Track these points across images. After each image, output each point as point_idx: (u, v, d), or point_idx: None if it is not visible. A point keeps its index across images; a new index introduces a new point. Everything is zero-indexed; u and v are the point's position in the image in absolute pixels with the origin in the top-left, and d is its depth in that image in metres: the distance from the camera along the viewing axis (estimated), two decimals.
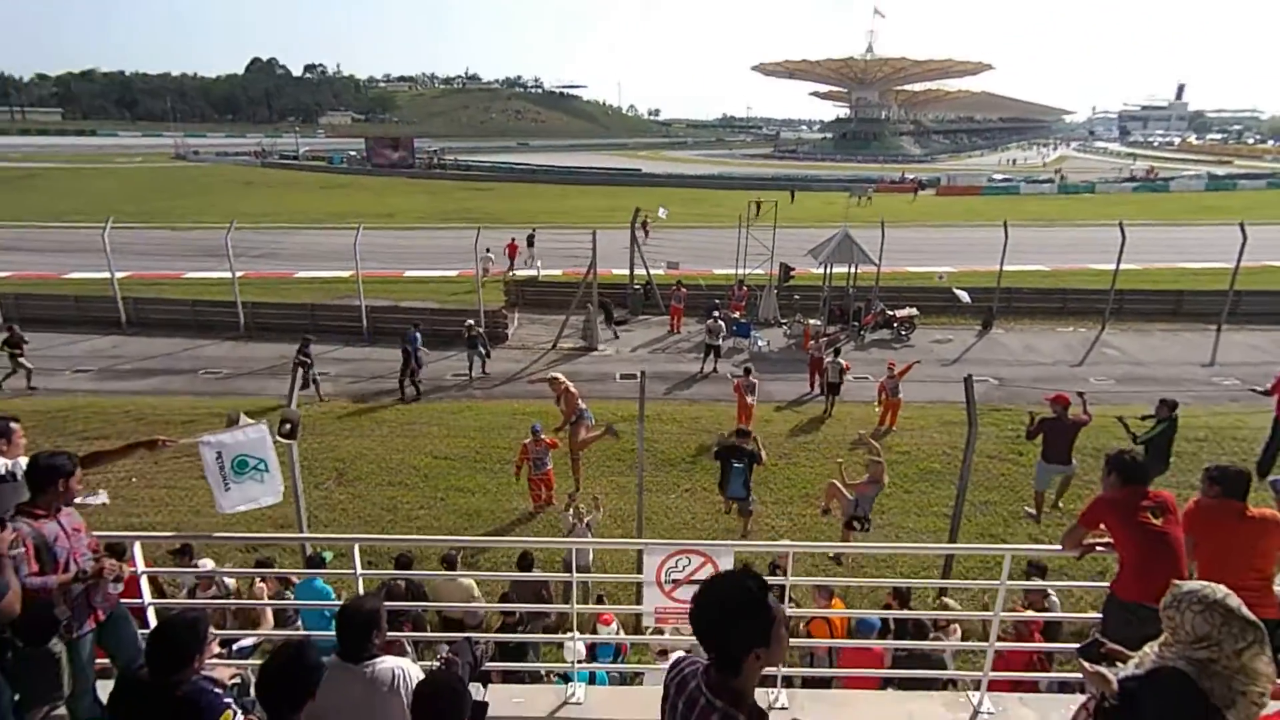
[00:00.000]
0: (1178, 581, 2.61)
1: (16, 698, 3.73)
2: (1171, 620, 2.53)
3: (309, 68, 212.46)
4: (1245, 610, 2.41)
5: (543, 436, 10.66)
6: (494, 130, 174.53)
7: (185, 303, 20.87)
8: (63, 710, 3.87)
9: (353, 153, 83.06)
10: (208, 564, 7.51)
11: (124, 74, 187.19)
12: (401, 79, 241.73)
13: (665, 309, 21.34)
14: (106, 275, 19.86)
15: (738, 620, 2.01)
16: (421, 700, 2.66)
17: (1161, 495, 3.82)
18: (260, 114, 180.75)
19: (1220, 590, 2.48)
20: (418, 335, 15.67)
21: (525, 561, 7.11)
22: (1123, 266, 19.80)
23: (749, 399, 13.74)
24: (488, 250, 29.09)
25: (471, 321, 16.95)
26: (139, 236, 31.54)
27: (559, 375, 11.34)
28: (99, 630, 4.01)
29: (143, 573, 4.68)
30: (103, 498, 11.37)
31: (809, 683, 5.04)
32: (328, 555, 7.73)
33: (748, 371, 13.85)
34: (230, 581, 7.20)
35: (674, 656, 2.43)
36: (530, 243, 27.71)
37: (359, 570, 4.65)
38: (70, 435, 13.15)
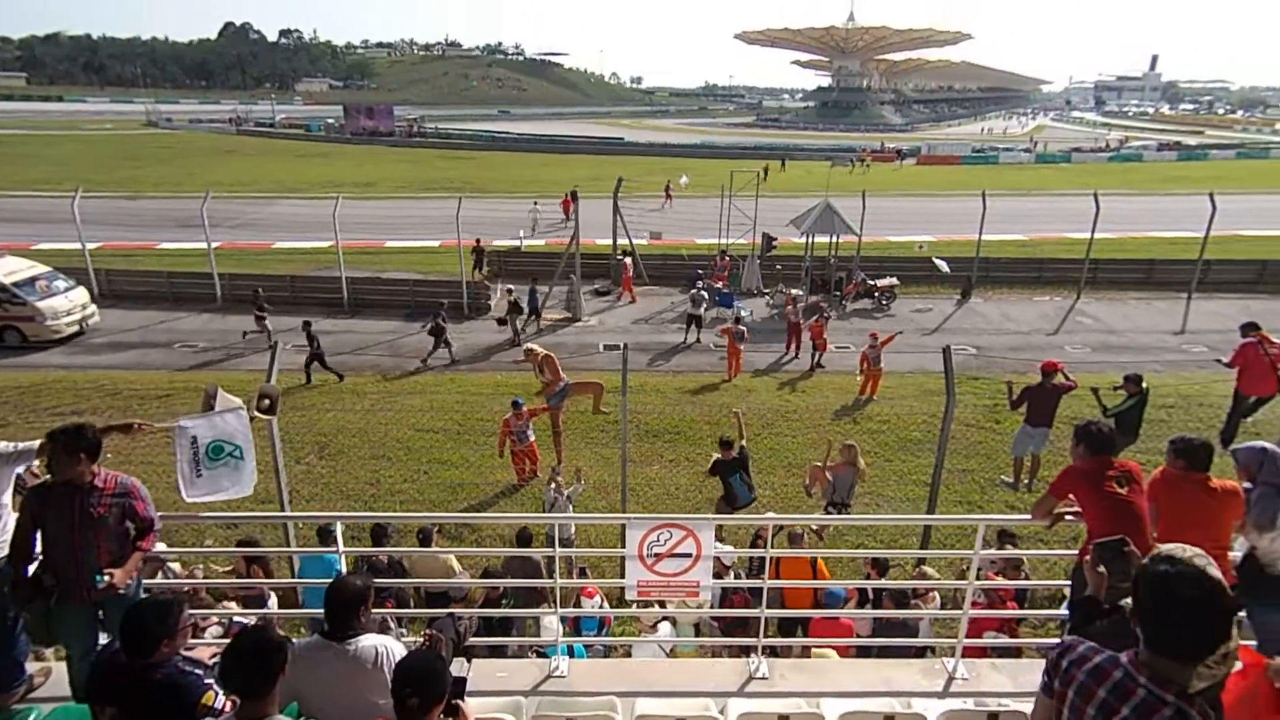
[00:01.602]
0: (1159, 544, 2.71)
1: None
2: None
3: (284, 33, 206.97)
4: (1212, 569, 2.49)
5: (524, 409, 10.66)
6: (475, 98, 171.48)
7: (160, 274, 20.48)
8: None
9: (330, 120, 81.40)
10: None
11: (91, 37, 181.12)
12: (380, 45, 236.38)
13: (648, 279, 21.27)
14: (77, 246, 19.41)
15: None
16: (401, 677, 2.69)
17: (1127, 465, 3.91)
18: (234, 80, 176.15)
19: (1188, 550, 2.56)
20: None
21: (524, 536, 7.17)
22: (1097, 235, 20.02)
23: (739, 345, 14.93)
24: (535, 203, 29.83)
25: (442, 313, 16.02)
26: (111, 206, 30.84)
27: (533, 346, 11.30)
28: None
29: None
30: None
31: (787, 652, 5.15)
32: (337, 527, 7.73)
33: (738, 320, 15.20)
34: (176, 565, 7.13)
35: (1066, 640, 2.40)
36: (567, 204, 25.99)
37: (341, 547, 4.66)
38: (41, 411, 12.95)
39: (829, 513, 8.33)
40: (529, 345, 11.24)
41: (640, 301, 20.70)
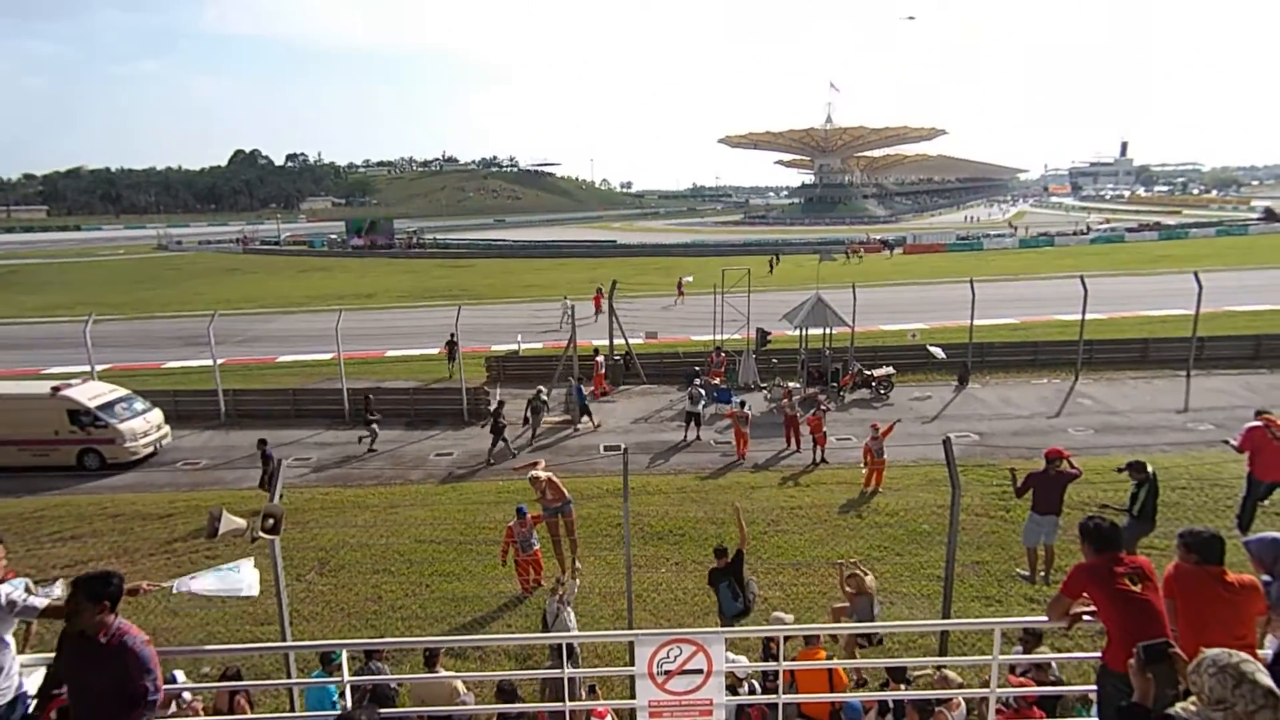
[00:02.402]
0: (1204, 649, 2.70)
1: None
2: (1195, 684, 2.65)
3: (290, 157, 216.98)
4: (1262, 676, 2.50)
5: (529, 515, 10.55)
6: (471, 209, 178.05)
7: (165, 394, 20.61)
8: None
9: (333, 236, 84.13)
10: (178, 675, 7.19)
11: (109, 170, 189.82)
12: (381, 164, 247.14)
13: (645, 379, 21.47)
14: (87, 368, 19.69)
15: None
16: None
17: (1137, 561, 3.87)
18: (243, 202, 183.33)
19: (1237, 655, 2.60)
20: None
21: (507, 689, 6.48)
22: (1089, 317, 20.37)
23: (744, 428, 15.97)
24: (566, 298, 31.64)
25: (370, 397, 17.77)
26: (121, 328, 31.56)
27: (538, 473, 11.24)
28: None
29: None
30: (57, 590, 11.04)
31: None
32: (342, 655, 7.48)
33: (742, 404, 16.26)
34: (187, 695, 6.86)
35: None
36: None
37: (347, 677, 4.54)
38: (44, 537, 12.83)
39: (861, 645, 7.95)
40: (534, 473, 11.20)
41: (638, 400, 20.82)
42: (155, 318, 35.73)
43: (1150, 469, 9.57)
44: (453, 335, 21.83)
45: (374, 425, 17.32)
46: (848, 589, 7.53)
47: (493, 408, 17.04)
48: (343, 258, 70.75)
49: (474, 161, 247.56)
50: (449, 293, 41.24)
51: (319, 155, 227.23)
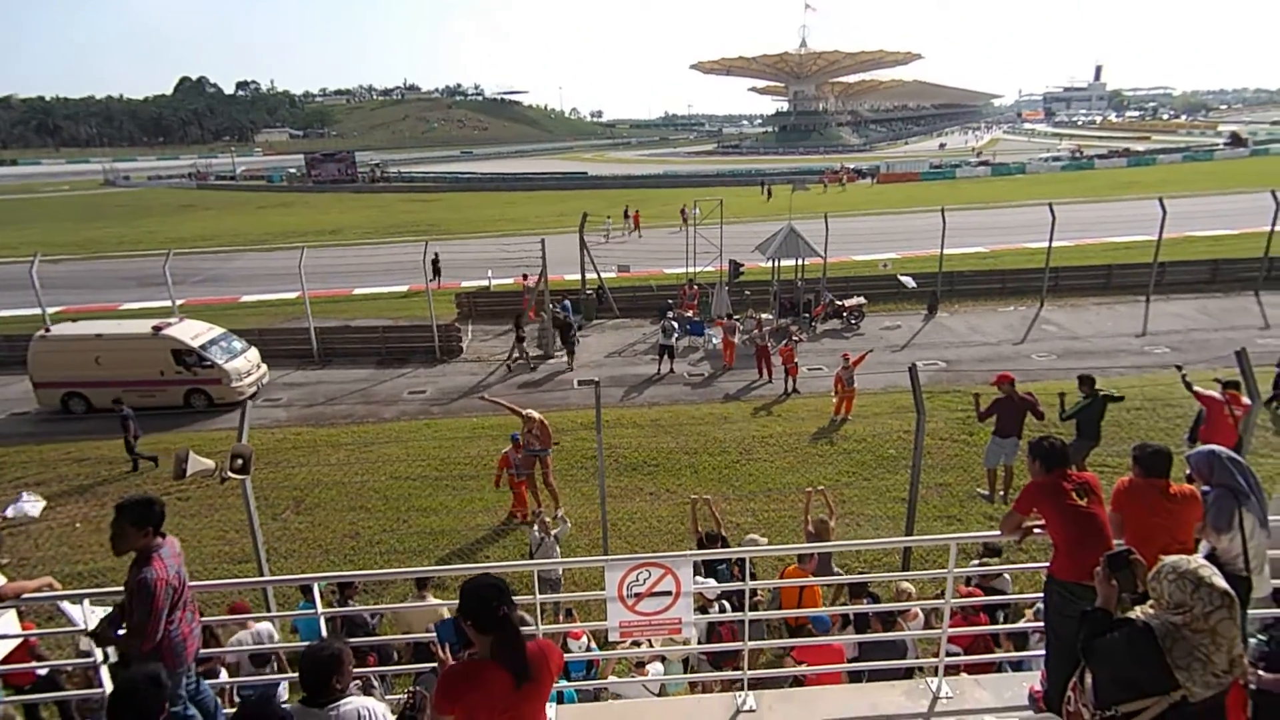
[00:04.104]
0: (1163, 556, 2.83)
1: None
2: (1155, 590, 2.79)
3: (241, 85, 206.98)
4: (1217, 580, 2.64)
5: (522, 441, 10.68)
6: (436, 140, 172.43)
7: None
8: None
9: (292, 170, 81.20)
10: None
11: (44, 99, 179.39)
12: (338, 92, 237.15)
13: (618, 312, 21.42)
14: (37, 311, 19.06)
15: None
16: None
17: (1084, 476, 4.03)
18: (192, 135, 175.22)
19: (1194, 561, 2.75)
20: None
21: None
22: (1055, 244, 20.61)
23: (732, 338, 17.55)
24: (609, 218, 34.78)
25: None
26: (71, 269, 30.43)
27: (534, 412, 11.24)
28: None
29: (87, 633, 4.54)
30: (36, 505, 10.89)
31: (774, 683, 5.16)
32: (314, 587, 7.54)
33: (730, 315, 17.55)
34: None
35: None
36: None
37: (319, 609, 4.61)
38: (6, 484, 12.66)
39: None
40: (529, 411, 11.18)
41: (610, 334, 20.81)
42: (107, 257, 34.48)
43: (1097, 386, 9.94)
44: (436, 255, 23.51)
45: (524, 344, 18.14)
46: (809, 529, 7.62)
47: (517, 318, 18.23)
48: (303, 193, 68.46)
49: (438, 90, 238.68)
50: (416, 228, 40.29)
51: (271, 83, 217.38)
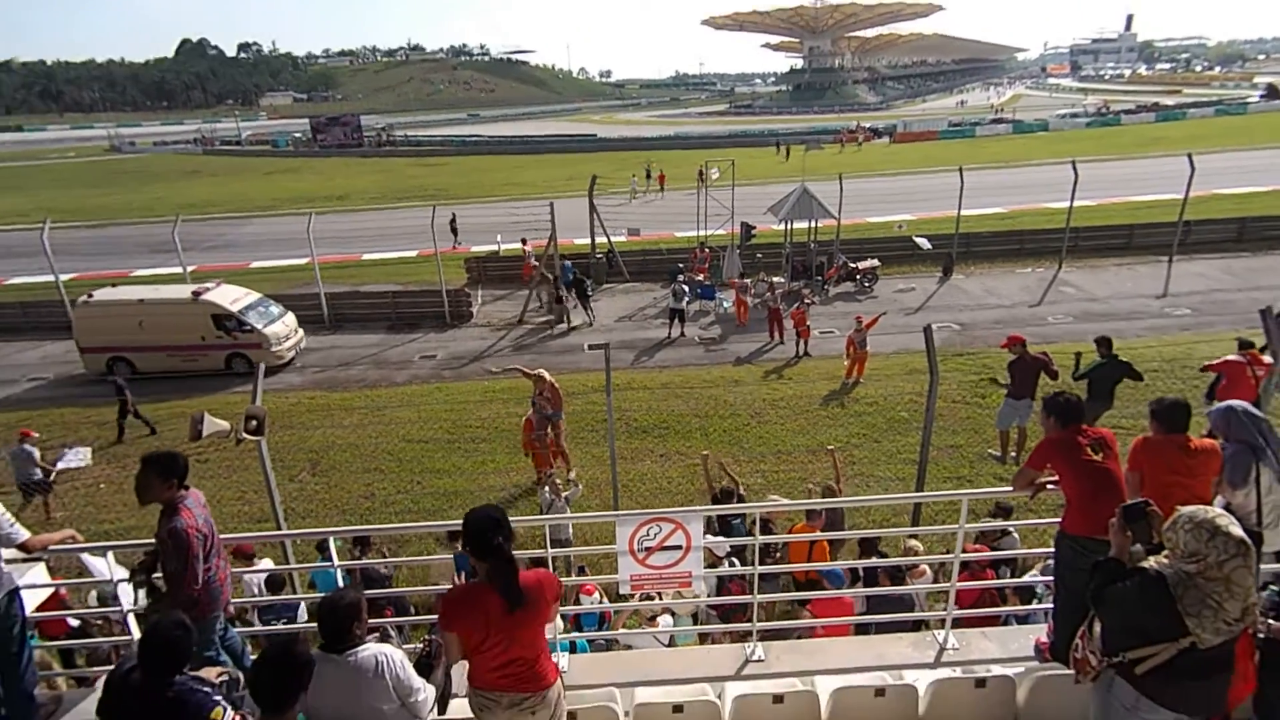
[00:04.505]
0: (1180, 507, 2.83)
1: None
2: (1170, 540, 2.80)
3: (243, 47, 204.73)
4: (1234, 529, 2.63)
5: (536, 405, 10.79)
6: (442, 102, 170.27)
7: None
8: None
9: (297, 134, 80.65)
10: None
11: (45, 63, 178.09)
12: (341, 54, 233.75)
13: (628, 276, 21.32)
14: (50, 278, 19.22)
15: None
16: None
17: (1100, 432, 4.00)
18: (195, 98, 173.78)
19: (1212, 511, 2.74)
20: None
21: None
22: (1077, 203, 20.19)
23: (744, 297, 17.87)
24: (634, 176, 36.72)
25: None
26: (81, 236, 30.54)
27: (543, 372, 11.25)
28: None
29: (118, 581, 4.67)
30: (83, 455, 11.19)
31: (782, 635, 5.23)
32: (331, 542, 7.72)
33: (743, 273, 17.84)
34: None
35: None
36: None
37: (336, 562, 4.69)
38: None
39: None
40: (540, 371, 11.19)
41: (621, 298, 20.76)
42: (116, 224, 34.52)
43: (1115, 350, 9.81)
44: (453, 216, 25.97)
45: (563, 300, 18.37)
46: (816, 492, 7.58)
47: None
48: (309, 157, 67.97)
49: (442, 50, 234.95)
50: (423, 192, 40.06)
51: (274, 44, 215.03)
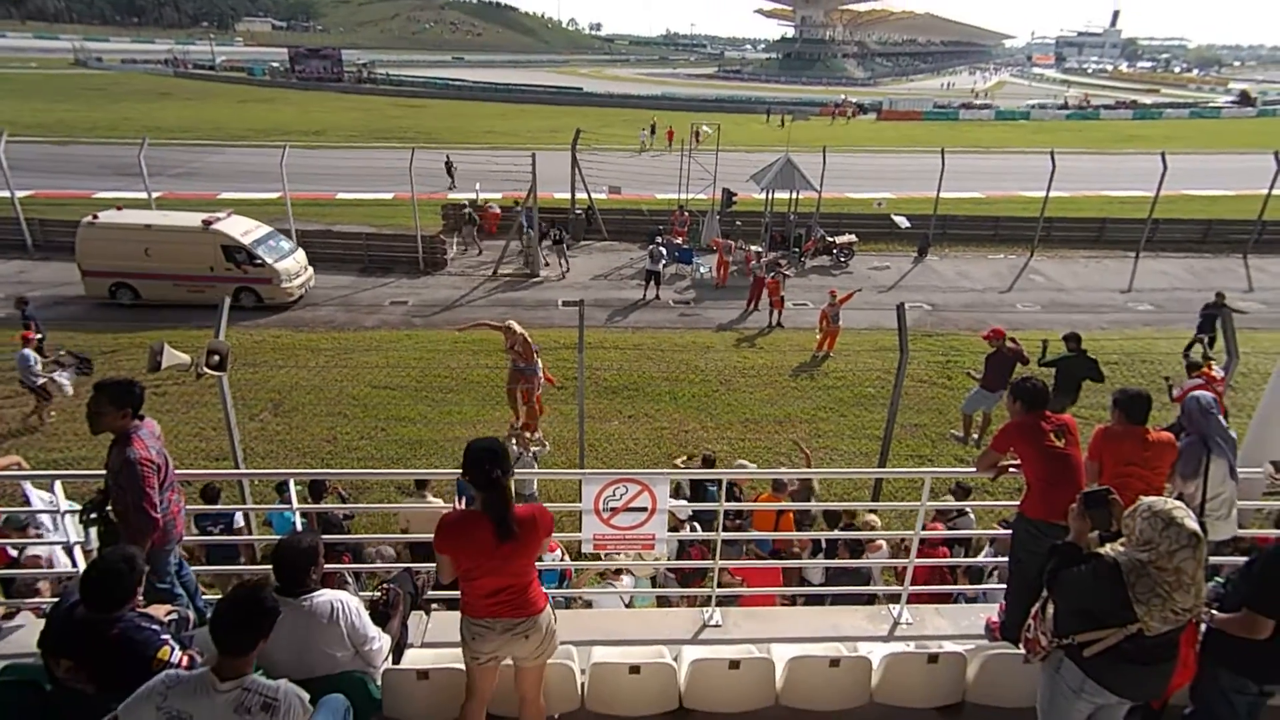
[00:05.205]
0: (1143, 497, 2.90)
1: None
2: (1128, 527, 2.88)
3: None
4: (1189, 521, 2.69)
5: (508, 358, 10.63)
6: (427, 43, 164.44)
7: None
8: None
9: (274, 64, 77.52)
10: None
11: None
12: None
13: (606, 234, 21.08)
14: (6, 194, 18.37)
15: None
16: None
17: (1063, 419, 4.08)
18: (169, 17, 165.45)
19: (1170, 503, 2.82)
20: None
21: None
22: (1053, 194, 20.42)
23: (727, 258, 18.06)
24: (643, 130, 38.50)
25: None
26: (40, 151, 29.18)
27: (513, 323, 11.04)
28: None
29: (65, 512, 4.54)
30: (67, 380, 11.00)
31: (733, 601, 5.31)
32: (290, 484, 7.61)
33: (726, 233, 17.97)
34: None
35: None
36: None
37: (295, 505, 4.61)
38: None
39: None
40: (510, 322, 10.97)
41: (598, 256, 20.56)
42: (79, 142, 33.03)
43: (1082, 347, 9.94)
44: (448, 157, 26.43)
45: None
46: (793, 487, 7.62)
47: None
48: (286, 89, 65.44)
49: None
50: (403, 134, 38.94)
51: None
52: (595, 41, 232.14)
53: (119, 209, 16.37)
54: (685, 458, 8.74)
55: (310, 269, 17.01)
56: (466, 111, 54.54)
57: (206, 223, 15.58)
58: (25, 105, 45.69)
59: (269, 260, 15.75)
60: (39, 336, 12.18)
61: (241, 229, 15.94)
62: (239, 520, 6.88)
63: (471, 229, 20.76)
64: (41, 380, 10.89)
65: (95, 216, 15.74)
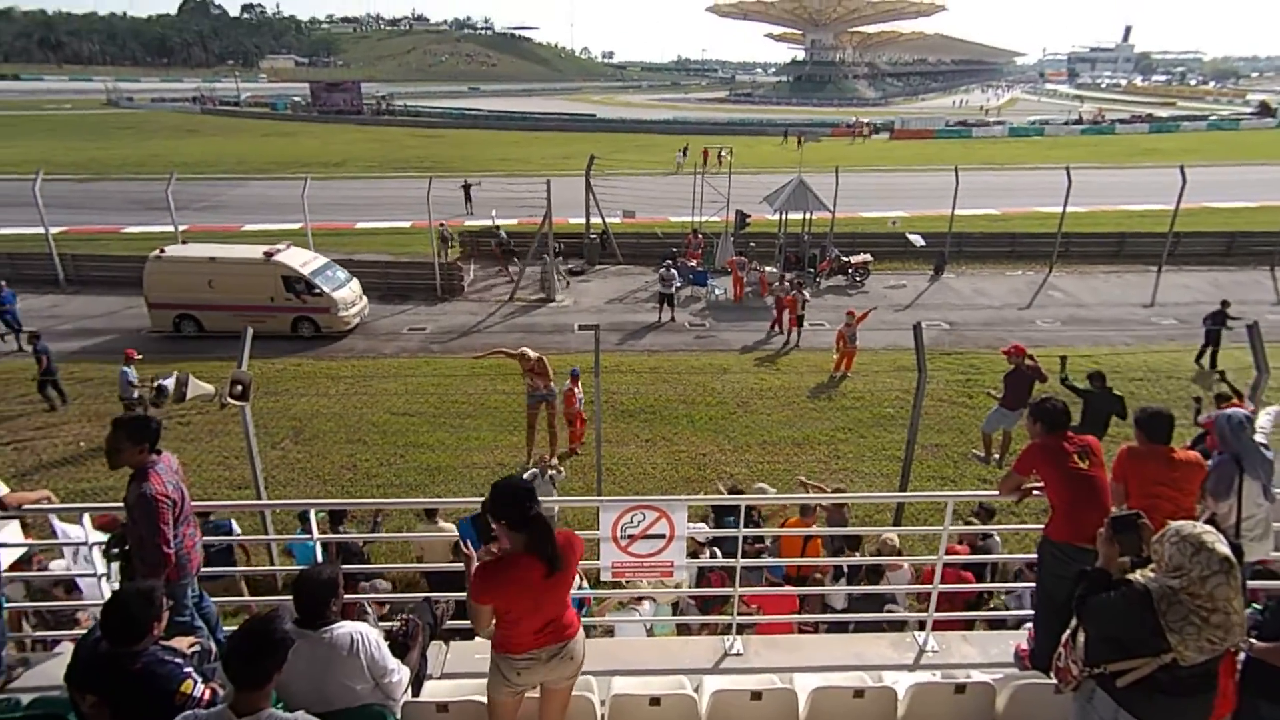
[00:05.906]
0: (1171, 522, 2.81)
1: None
2: (1157, 553, 2.79)
3: (246, 7, 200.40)
4: (1220, 546, 2.61)
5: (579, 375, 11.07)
6: (444, 74, 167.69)
7: (127, 259, 19.91)
8: None
9: (296, 98, 79.36)
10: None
11: (45, 13, 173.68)
12: (345, 20, 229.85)
13: (621, 258, 21.17)
14: (40, 230, 18.87)
15: None
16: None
17: (1086, 439, 4.00)
18: (196, 56, 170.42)
19: (1199, 526, 2.72)
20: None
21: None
22: (1069, 209, 20.25)
23: (741, 273, 18.33)
24: (679, 151, 38.59)
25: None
26: (73, 189, 30.01)
27: (528, 350, 11.14)
28: None
29: (93, 544, 4.59)
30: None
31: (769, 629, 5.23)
32: (311, 514, 7.65)
33: (741, 252, 18.31)
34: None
35: None
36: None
37: (315, 535, 4.64)
38: (12, 400, 12.72)
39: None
40: (524, 349, 11.10)
41: (613, 280, 20.66)
42: (110, 179, 33.90)
43: (1108, 385, 9.50)
44: (466, 181, 27.16)
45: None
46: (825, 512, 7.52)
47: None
48: (308, 122, 66.96)
49: (446, 21, 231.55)
50: (420, 163, 39.59)
51: (277, 7, 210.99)
52: (608, 69, 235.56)
53: (184, 242, 16.75)
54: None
55: (365, 298, 17.24)
56: (482, 140, 55.36)
57: (268, 254, 15.93)
58: (60, 144, 47.09)
59: (327, 290, 16.06)
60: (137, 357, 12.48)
61: (301, 260, 16.30)
62: (235, 528, 6.94)
63: (511, 258, 20.58)
64: (137, 395, 11.35)
65: (162, 251, 16.19)
